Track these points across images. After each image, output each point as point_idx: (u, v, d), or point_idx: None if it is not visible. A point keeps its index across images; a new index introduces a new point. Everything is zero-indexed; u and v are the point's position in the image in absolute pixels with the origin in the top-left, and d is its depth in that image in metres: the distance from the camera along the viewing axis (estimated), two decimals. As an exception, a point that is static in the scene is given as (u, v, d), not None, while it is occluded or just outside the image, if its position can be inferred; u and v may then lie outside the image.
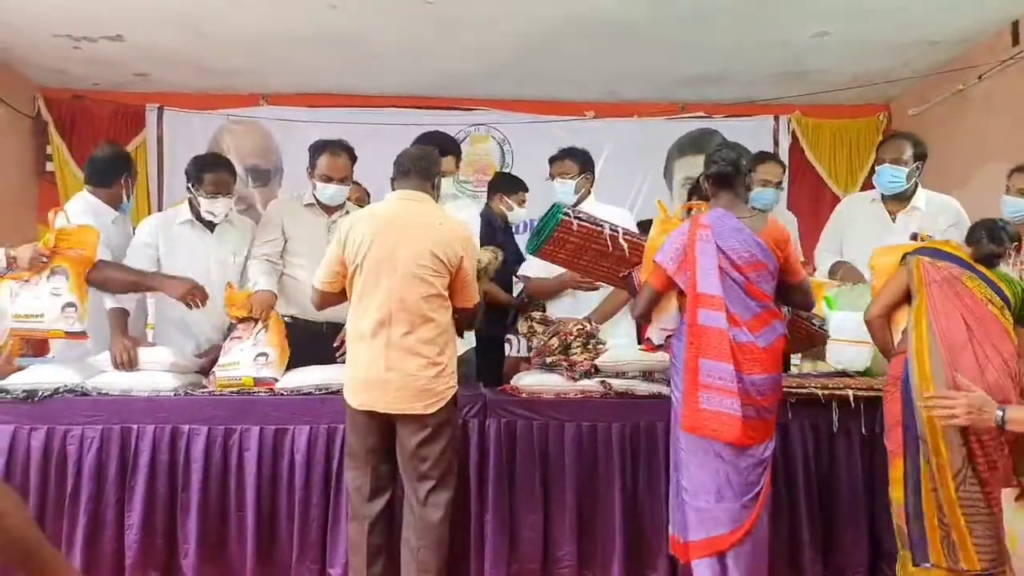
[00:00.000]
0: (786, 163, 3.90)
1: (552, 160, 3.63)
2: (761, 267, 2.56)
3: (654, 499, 3.00)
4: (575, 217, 2.90)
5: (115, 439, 2.90)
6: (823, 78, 5.16)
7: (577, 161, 3.54)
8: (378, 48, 4.65)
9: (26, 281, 3.00)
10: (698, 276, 2.55)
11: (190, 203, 3.42)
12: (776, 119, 5.76)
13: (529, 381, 3.13)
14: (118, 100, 5.41)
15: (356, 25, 4.32)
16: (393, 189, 2.82)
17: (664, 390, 3.09)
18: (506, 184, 4.15)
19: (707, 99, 5.62)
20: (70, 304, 3.00)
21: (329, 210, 3.51)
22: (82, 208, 3.28)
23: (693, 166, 5.73)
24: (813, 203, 5.48)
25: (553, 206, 2.98)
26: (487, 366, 3.70)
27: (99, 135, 5.31)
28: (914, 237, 3.47)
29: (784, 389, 3.01)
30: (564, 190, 3.50)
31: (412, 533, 2.65)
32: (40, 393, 2.93)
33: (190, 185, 3.38)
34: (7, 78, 4.92)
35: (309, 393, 3.06)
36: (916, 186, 3.57)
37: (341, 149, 3.45)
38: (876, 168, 3.61)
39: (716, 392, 2.51)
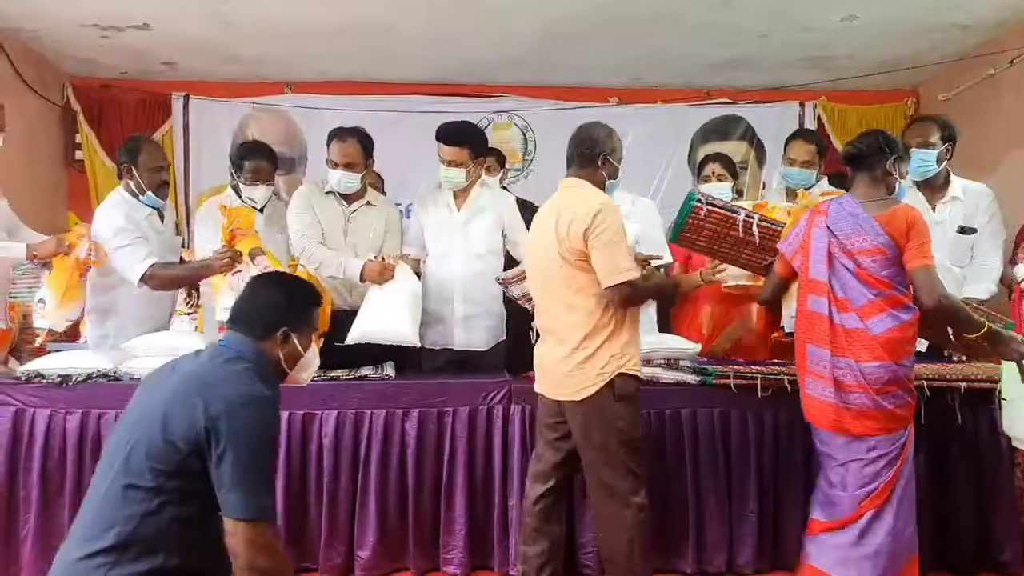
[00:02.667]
0: (821, 144, 3.75)
1: None
2: (877, 253, 2.49)
3: (678, 487, 3.01)
4: (707, 203, 2.89)
5: (147, 423, 2.95)
6: (850, 63, 5.09)
7: None
8: (404, 36, 4.65)
9: (239, 271, 3.11)
10: (810, 262, 2.57)
11: (234, 189, 3.53)
12: (802, 105, 5.69)
13: (554, 368, 3.14)
14: (145, 89, 5.45)
15: (382, 13, 4.32)
16: None
17: (690, 378, 3.10)
18: None
19: (732, 85, 5.57)
20: None
21: (348, 199, 3.53)
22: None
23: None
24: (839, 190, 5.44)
25: (688, 193, 2.99)
26: (514, 354, 3.71)
27: (127, 124, 5.38)
28: (962, 231, 3.42)
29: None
30: None
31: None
32: (74, 378, 2.99)
33: (232, 171, 3.50)
34: (36, 68, 4.97)
35: (336, 378, 3.10)
36: (948, 173, 3.47)
37: (349, 135, 3.45)
38: None
39: (816, 378, 2.54)
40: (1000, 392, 2.83)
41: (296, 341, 1.96)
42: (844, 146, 2.69)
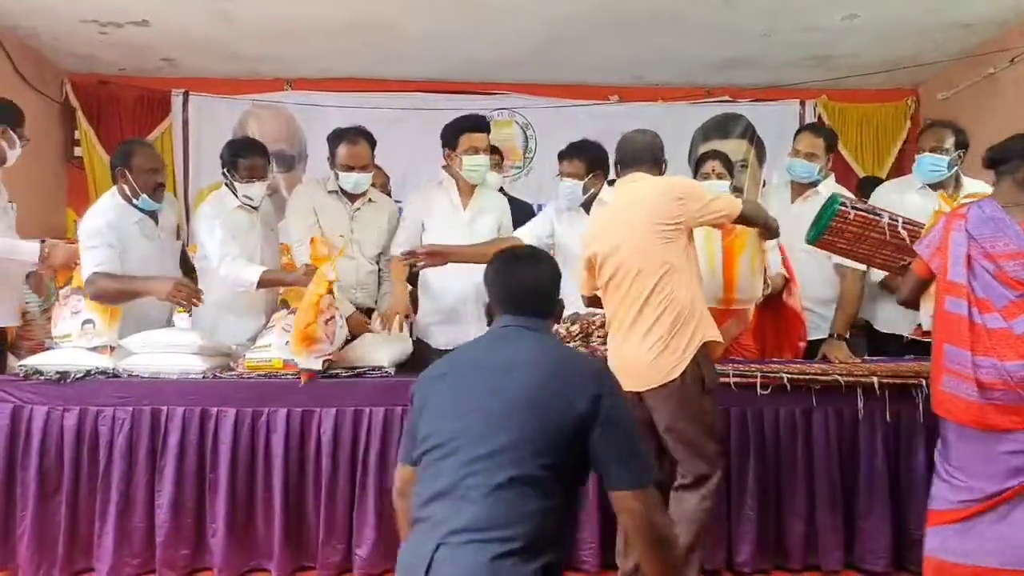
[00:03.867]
0: (829, 139, 3.74)
1: (560, 157, 3.44)
2: (1020, 256, 2.52)
3: (677, 484, 3.01)
4: (852, 207, 2.98)
5: (145, 420, 2.95)
6: (851, 62, 5.09)
7: (586, 159, 3.35)
8: (405, 34, 4.64)
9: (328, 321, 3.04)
10: (948, 264, 2.61)
11: (229, 188, 3.47)
12: (802, 104, 5.69)
13: (553, 366, 3.14)
14: (144, 86, 5.44)
15: (384, 11, 4.31)
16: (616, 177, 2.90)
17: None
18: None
19: (733, 83, 5.57)
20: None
21: (352, 198, 3.54)
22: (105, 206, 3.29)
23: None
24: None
25: (831, 196, 3.08)
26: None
27: (126, 121, 5.38)
28: None
29: (808, 376, 3.02)
30: (571, 191, 3.35)
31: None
32: (72, 375, 2.98)
33: (225, 170, 3.42)
34: (35, 64, 4.96)
35: (336, 375, 3.09)
36: (959, 176, 3.54)
37: (359, 136, 3.46)
38: (916, 157, 3.56)
39: (954, 376, 2.58)
40: None
41: (562, 306, 2.01)
42: (988, 149, 2.72)
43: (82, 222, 3.25)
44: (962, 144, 3.48)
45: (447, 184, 3.52)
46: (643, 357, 2.58)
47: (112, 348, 3.13)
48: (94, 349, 3.08)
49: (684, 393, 2.56)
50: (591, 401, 1.69)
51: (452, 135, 3.44)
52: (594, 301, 2.89)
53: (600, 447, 1.69)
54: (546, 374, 1.75)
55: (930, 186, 3.52)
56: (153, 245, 3.33)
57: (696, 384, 2.57)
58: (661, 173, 2.83)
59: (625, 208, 2.70)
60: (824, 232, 3.02)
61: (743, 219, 2.77)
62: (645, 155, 2.81)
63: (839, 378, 3.01)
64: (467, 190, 3.52)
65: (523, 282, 1.91)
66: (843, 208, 2.98)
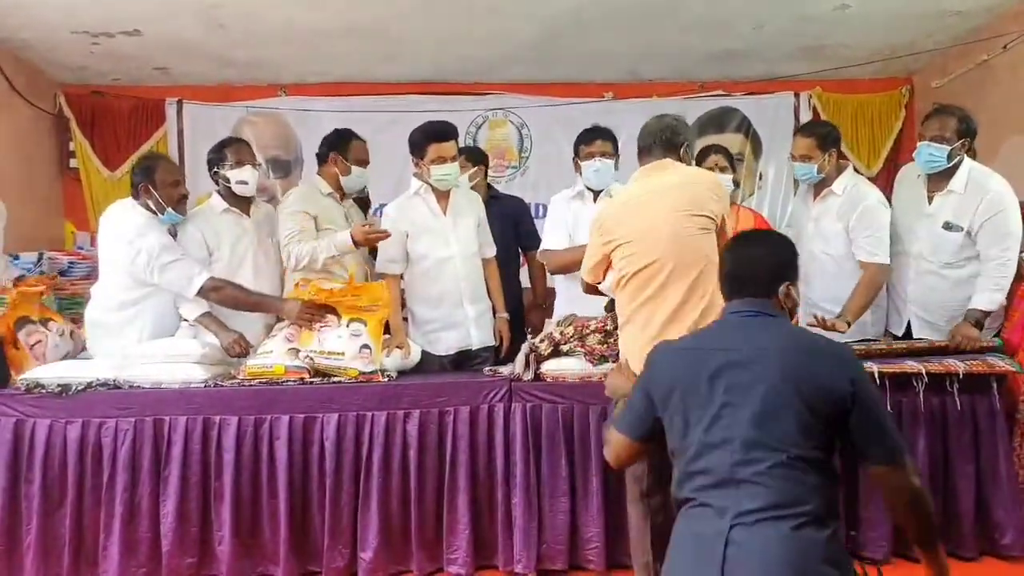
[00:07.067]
0: (821, 135, 3.52)
1: (586, 140, 3.46)
2: None
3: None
4: None
5: (148, 431, 2.96)
6: (844, 52, 5.09)
7: (610, 139, 3.45)
8: (399, 36, 4.64)
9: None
10: None
11: (219, 193, 3.46)
12: (796, 95, 5.69)
13: (552, 366, 3.14)
14: (138, 95, 5.44)
15: (379, 14, 4.30)
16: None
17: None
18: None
19: (727, 77, 5.56)
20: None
21: (343, 197, 3.59)
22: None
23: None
24: (835, 179, 5.42)
25: None
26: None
27: (120, 131, 5.38)
28: (947, 227, 3.30)
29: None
30: (604, 169, 3.38)
31: None
32: (74, 387, 2.99)
33: (215, 170, 3.41)
34: (29, 76, 4.96)
35: (339, 381, 3.10)
36: (961, 162, 3.28)
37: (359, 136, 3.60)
38: (918, 144, 3.36)
39: None
40: None
41: (795, 293, 1.97)
42: None
43: (133, 243, 3.17)
44: (967, 132, 3.24)
45: (423, 192, 3.47)
46: None
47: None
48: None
49: None
50: (849, 384, 1.76)
51: (419, 144, 3.39)
52: (595, 289, 2.81)
53: (857, 427, 1.78)
54: (801, 358, 1.80)
55: (929, 174, 3.35)
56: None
57: None
58: (679, 156, 2.71)
59: (656, 195, 2.57)
60: None
61: None
62: (656, 139, 2.70)
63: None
64: (443, 195, 3.49)
65: (744, 264, 1.92)
66: None
